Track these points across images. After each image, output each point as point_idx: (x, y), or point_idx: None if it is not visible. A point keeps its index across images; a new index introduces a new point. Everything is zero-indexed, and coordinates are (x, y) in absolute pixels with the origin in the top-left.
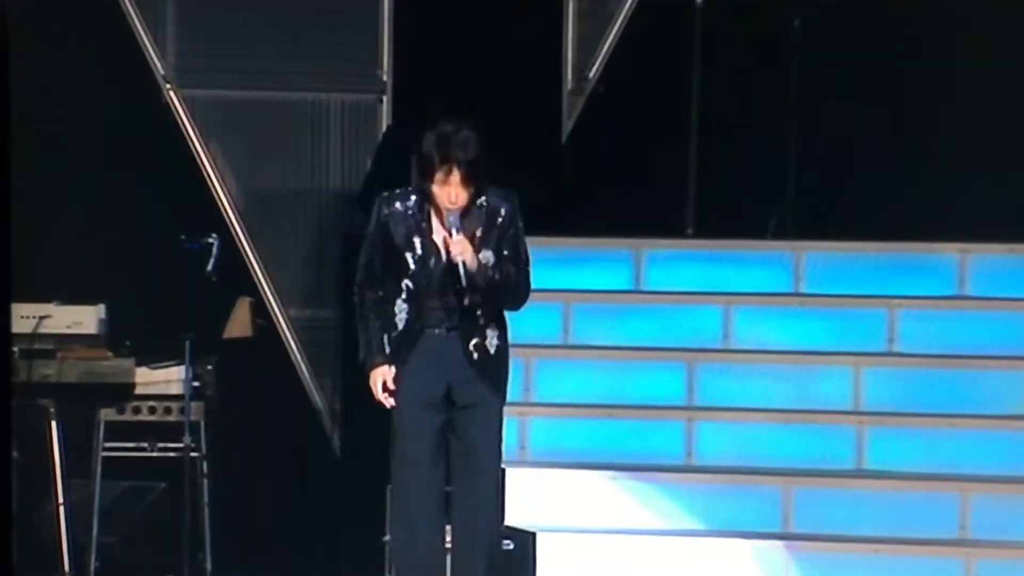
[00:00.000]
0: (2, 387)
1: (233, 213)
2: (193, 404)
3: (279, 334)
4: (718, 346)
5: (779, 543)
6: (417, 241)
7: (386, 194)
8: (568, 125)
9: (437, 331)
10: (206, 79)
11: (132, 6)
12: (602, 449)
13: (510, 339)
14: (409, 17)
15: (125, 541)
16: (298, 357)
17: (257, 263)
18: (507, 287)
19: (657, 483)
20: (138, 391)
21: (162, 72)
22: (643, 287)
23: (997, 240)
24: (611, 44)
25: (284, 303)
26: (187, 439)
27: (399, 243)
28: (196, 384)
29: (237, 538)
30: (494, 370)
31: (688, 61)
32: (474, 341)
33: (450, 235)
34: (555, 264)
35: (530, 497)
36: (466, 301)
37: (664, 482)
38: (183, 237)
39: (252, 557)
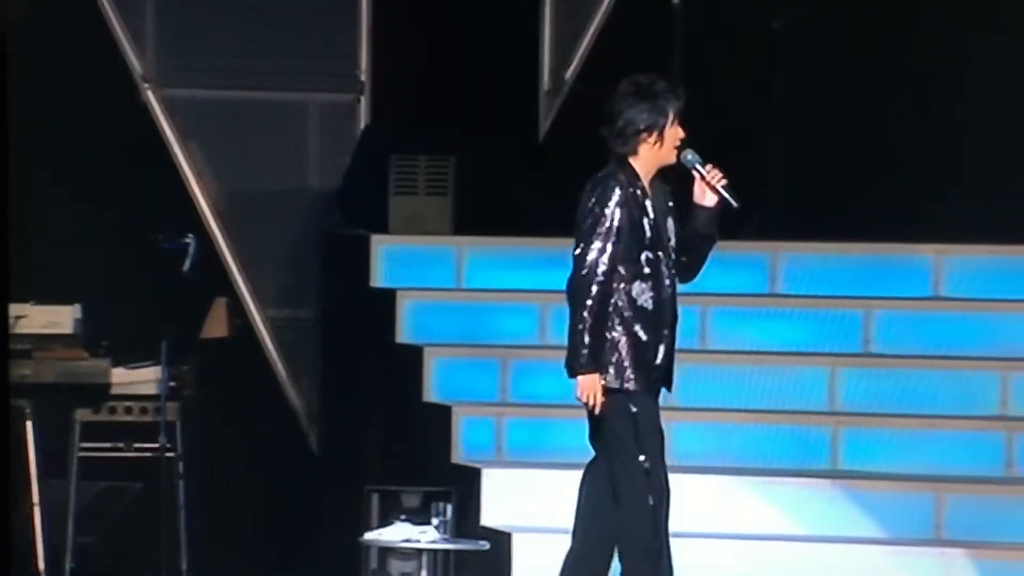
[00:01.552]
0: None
1: (210, 213)
2: (170, 404)
3: (256, 334)
4: (695, 347)
5: (756, 543)
6: (648, 204)
7: (609, 173)
8: (545, 125)
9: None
10: (184, 79)
11: (110, 6)
12: (578, 449)
13: (487, 341)
14: (387, 17)
15: (102, 541)
16: (275, 357)
17: (234, 263)
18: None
19: None
20: (114, 391)
21: (140, 72)
22: None
23: (972, 241)
24: (588, 44)
25: (261, 303)
26: (162, 439)
27: (638, 214)
28: (173, 384)
29: (214, 538)
30: None
31: (666, 61)
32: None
33: (698, 172)
34: (531, 265)
35: (506, 497)
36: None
37: None
38: (160, 237)
39: (229, 557)
